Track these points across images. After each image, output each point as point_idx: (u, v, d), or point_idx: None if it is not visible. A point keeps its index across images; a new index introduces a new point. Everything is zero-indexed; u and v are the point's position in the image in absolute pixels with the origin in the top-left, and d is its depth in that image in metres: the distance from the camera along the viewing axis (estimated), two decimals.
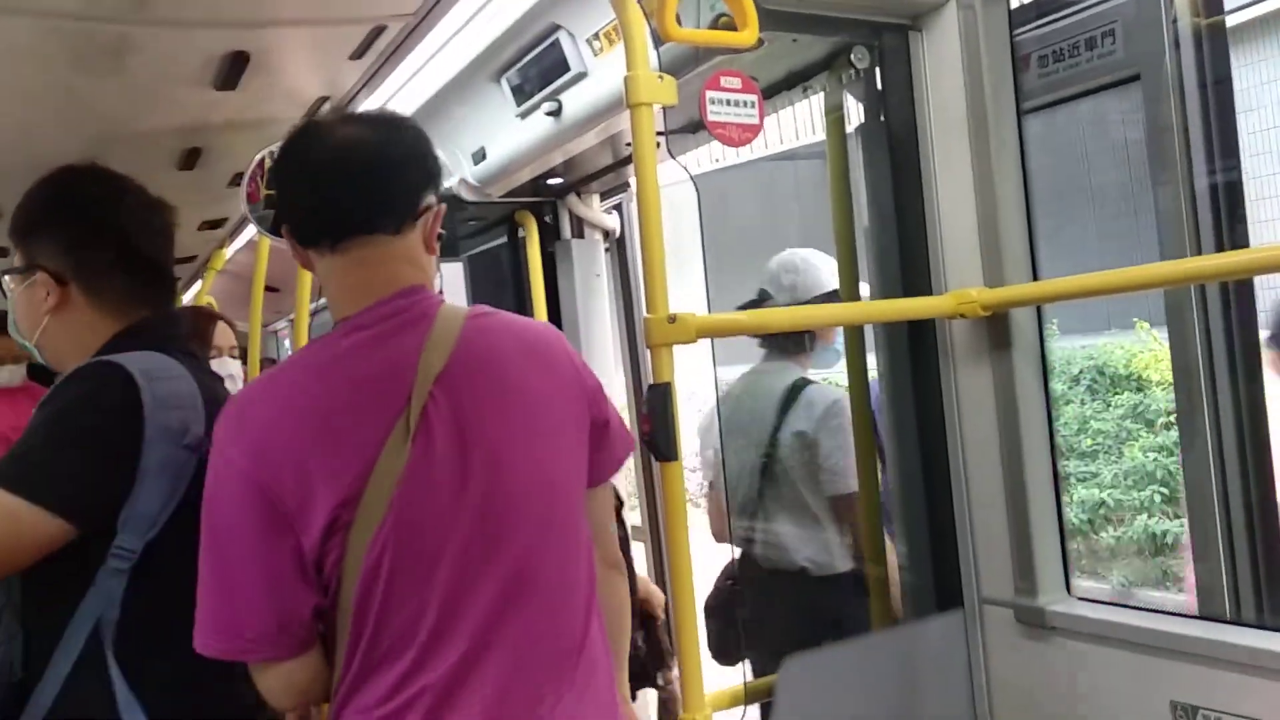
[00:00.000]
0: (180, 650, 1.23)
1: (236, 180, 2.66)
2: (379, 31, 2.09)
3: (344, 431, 1.20)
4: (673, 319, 1.48)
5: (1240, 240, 1.78)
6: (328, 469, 1.18)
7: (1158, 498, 5.60)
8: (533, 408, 1.28)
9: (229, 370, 2.56)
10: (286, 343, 6.76)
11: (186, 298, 4.96)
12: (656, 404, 1.49)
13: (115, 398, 1.35)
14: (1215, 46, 1.77)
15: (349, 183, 1.29)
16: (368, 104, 2.60)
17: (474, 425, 1.24)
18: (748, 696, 1.79)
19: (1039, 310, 1.83)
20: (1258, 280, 1.76)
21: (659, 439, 1.48)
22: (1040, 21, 1.92)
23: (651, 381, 1.50)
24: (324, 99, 2.47)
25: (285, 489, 1.17)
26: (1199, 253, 1.77)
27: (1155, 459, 5.68)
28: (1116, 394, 6.15)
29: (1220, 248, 1.77)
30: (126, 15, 1.88)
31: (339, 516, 1.17)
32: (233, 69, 2.15)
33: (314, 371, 1.27)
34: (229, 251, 3.93)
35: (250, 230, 2.99)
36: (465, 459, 1.22)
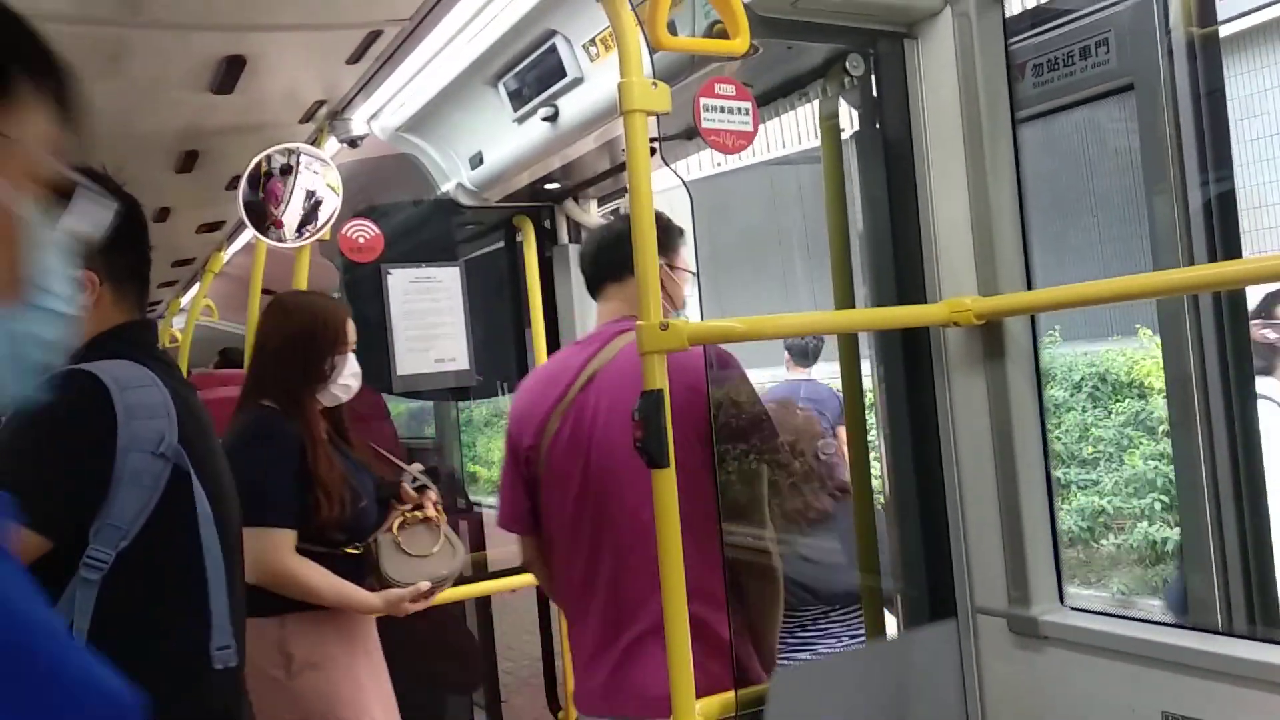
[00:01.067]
0: (152, 659, 1.23)
1: (234, 183, 2.67)
2: (375, 36, 2.10)
3: (536, 404, 1.99)
4: (664, 326, 1.48)
5: (1233, 250, 1.78)
6: (528, 426, 1.98)
7: (1158, 505, 5.60)
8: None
9: (354, 369, 2.41)
10: None
11: (184, 301, 4.97)
12: (649, 411, 1.48)
13: (88, 407, 1.35)
14: (1209, 56, 1.77)
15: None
16: (364, 108, 2.61)
17: (596, 412, 1.91)
18: (739, 706, 1.79)
19: (1033, 319, 1.82)
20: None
21: (651, 446, 1.48)
22: (1035, 30, 1.92)
23: (644, 388, 1.50)
24: (321, 103, 2.48)
25: (516, 435, 2.02)
26: (1192, 262, 1.77)
27: (1156, 467, 5.67)
28: (1118, 401, 6.15)
29: (1214, 257, 1.77)
30: (122, 18, 1.89)
31: (530, 456, 1.98)
32: (229, 72, 2.16)
33: (545, 365, 2.29)
34: (227, 254, 3.94)
35: (248, 233, 2.99)
36: (584, 434, 1.91)
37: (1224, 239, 1.78)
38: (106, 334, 1.49)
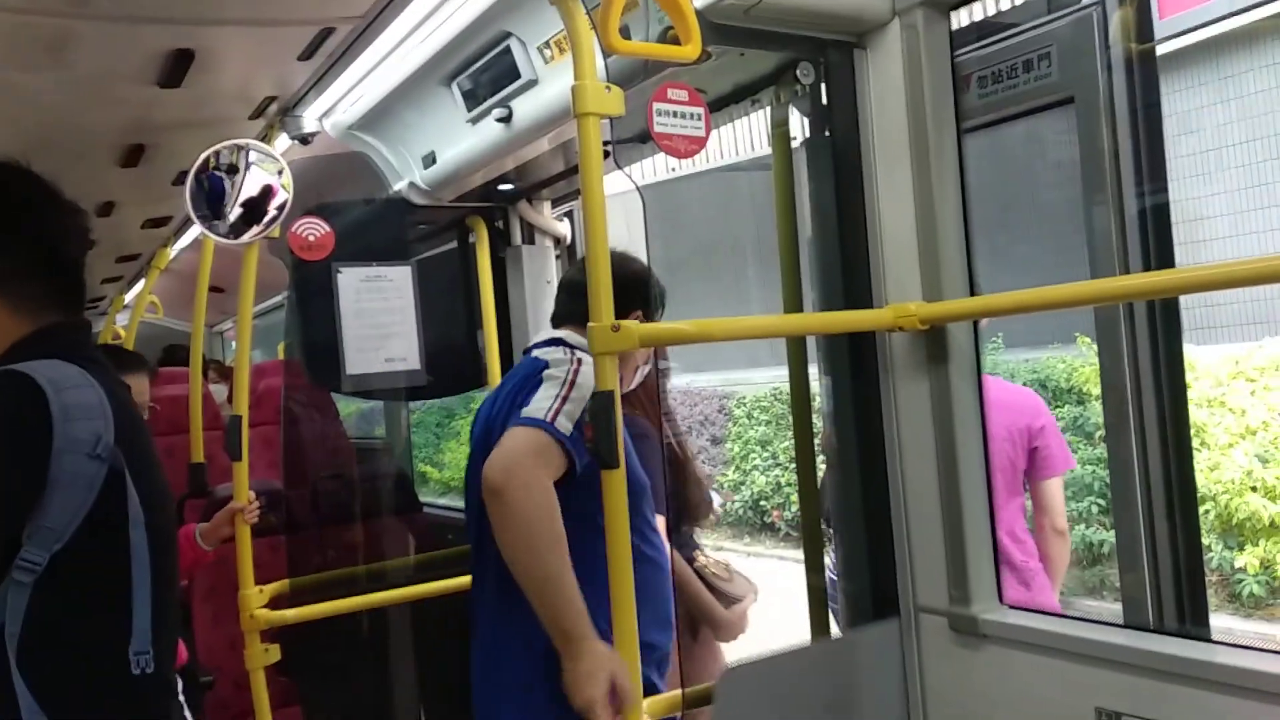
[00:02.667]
0: (87, 662, 1.21)
1: (181, 178, 2.63)
2: (328, 33, 2.08)
3: None
4: (616, 327, 1.49)
5: (1167, 260, 1.84)
6: None
7: (1095, 509, 5.73)
8: None
9: None
10: (232, 344, 6.66)
11: (128, 297, 4.87)
12: (599, 412, 1.49)
13: (23, 408, 1.32)
14: (1146, 72, 1.83)
15: None
16: (316, 105, 2.59)
17: None
18: (685, 704, 1.80)
19: (975, 325, 1.87)
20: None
21: (602, 447, 1.49)
22: (981, 43, 1.97)
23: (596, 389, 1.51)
24: (271, 99, 2.45)
25: None
26: (1128, 271, 1.83)
27: (1093, 471, 5.81)
28: (1058, 407, 6.29)
29: (1149, 266, 1.83)
30: (67, 9, 1.86)
31: None
32: (177, 66, 2.13)
33: None
34: (173, 250, 3.87)
35: (195, 229, 2.95)
36: None
37: (1158, 249, 1.84)
38: (34, 336, 1.45)
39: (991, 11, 1.89)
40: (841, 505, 2.04)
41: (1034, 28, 1.92)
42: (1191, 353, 5.45)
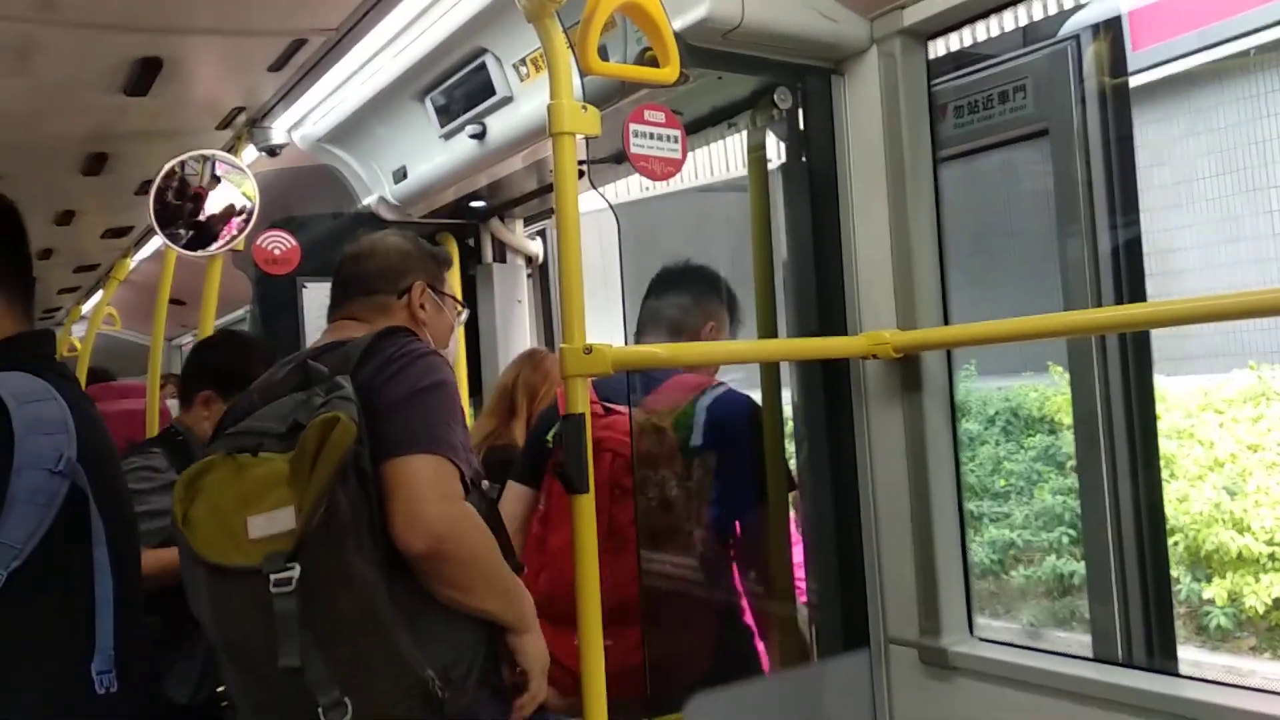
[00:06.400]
0: (48, 677, 1.18)
1: (145, 188, 2.57)
2: (300, 44, 2.05)
3: None
4: (589, 350, 1.46)
5: (1139, 292, 1.85)
6: None
7: (1065, 539, 5.75)
8: None
9: None
10: None
11: (86, 308, 4.78)
12: (570, 435, 1.47)
13: None
14: (1119, 105, 1.85)
15: None
16: (285, 117, 2.55)
17: None
18: None
19: (949, 353, 1.86)
20: None
21: (571, 471, 1.46)
22: (957, 74, 1.97)
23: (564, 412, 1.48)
24: (239, 110, 2.42)
25: None
26: (1100, 302, 1.83)
27: (1064, 501, 5.83)
28: (1030, 436, 6.31)
29: (1120, 298, 1.83)
30: (32, 15, 1.82)
31: None
32: (144, 75, 2.09)
33: None
34: (133, 261, 3.80)
35: (157, 240, 2.89)
36: None
37: (1130, 281, 1.84)
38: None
39: (968, 42, 1.89)
40: (813, 534, 2.02)
41: (1010, 60, 1.93)
42: (1162, 383, 5.51)
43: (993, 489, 6.05)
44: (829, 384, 1.97)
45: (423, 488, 1.36)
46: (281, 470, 1.31)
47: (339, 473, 1.29)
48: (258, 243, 2.67)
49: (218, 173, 2.44)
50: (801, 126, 1.95)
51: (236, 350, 2.24)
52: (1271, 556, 5.04)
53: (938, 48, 1.86)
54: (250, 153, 2.63)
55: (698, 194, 10.08)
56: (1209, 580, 5.23)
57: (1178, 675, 1.62)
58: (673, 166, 1.67)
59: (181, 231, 2.44)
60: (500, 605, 1.49)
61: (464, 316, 1.86)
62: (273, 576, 1.26)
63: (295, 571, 1.26)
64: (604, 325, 1.63)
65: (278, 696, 1.35)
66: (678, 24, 1.66)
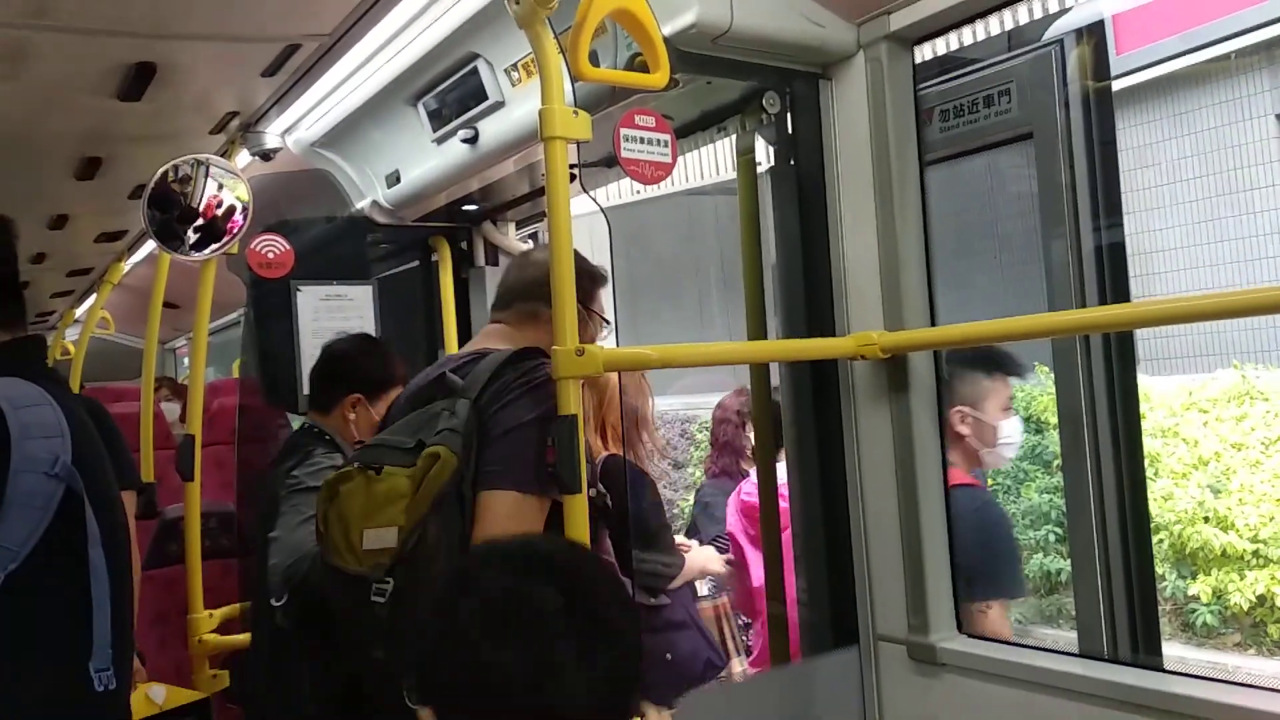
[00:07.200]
0: (45, 677, 1.19)
1: (138, 192, 2.59)
2: (293, 49, 2.07)
3: None
4: (580, 351, 1.48)
5: (1122, 292, 1.87)
6: None
7: (1052, 537, 5.79)
8: None
9: None
10: (186, 361, 6.55)
11: (79, 312, 4.78)
12: (562, 436, 1.48)
13: None
14: (1103, 108, 1.87)
15: None
16: (279, 122, 2.57)
17: None
18: None
19: (936, 354, 1.89)
20: None
21: (563, 471, 1.47)
22: (943, 78, 2.00)
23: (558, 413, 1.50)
24: (233, 114, 2.43)
25: None
26: (1084, 303, 1.85)
27: (1050, 499, 5.87)
28: None
29: (1104, 299, 1.86)
30: (27, 20, 1.83)
31: None
32: (138, 79, 2.10)
33: None
34: (127, 265, 3.80)
35: (150, 244, 2.90)
36: None
37: (1114, 282, 1.87)
38: None
39: (954, 47, 1.92)
40: (803, 532, 2.04)
41: (995, 64, 1.96)
42: (1146, 383, 5.55)
43: None
44: (817, 384, 1.99)
45: (495, 522, 1.50)
46: (400, 487, 1.50)
47: (435, 504, 1.48)
48: (252, 246, 2.68)
49: (211, 176, 2.45)
50: (790, 130, 1.98)
51: (377, 356, 2.40)
52: (1255, 553, 5.09)
53: (924, 52, 1.88)
54: (244, 157, 2.64)
55: (687, 197, 10.10)
56: (1194, 577, 5.28)
57: (1163, 670, 1.64)
58: (663, 170, 1.69)
59: (175, 236, 2.45)
60: None
61: (605, 333, 1.96)
62: (374, 585, 1.47)
63: (390, 586, 1.48)
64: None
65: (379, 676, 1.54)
66: (667, 29, 1.68)
